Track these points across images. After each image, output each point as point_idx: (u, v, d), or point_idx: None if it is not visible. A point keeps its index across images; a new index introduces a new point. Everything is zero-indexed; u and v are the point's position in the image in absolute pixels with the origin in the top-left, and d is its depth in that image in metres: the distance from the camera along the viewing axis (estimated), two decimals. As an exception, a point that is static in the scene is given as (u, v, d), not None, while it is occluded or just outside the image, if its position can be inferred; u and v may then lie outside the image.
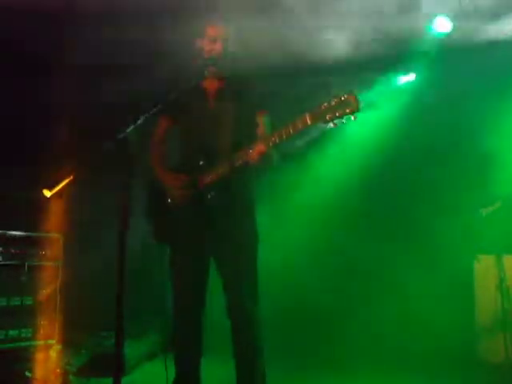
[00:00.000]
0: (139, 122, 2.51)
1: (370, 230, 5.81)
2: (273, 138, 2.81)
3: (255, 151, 2.82)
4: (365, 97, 5.65)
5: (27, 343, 4.63)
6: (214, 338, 3.86)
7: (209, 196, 2.95)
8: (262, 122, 3.13)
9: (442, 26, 5.27)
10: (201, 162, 3.00)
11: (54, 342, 4.79)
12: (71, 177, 2.82)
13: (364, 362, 4.89)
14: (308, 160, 5.95)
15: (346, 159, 5.83)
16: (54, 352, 4.76)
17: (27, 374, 4.10)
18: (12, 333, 4.51)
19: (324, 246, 5.78)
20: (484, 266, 4.91)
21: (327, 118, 2.61)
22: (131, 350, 4.74)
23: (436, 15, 5.23)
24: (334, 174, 5.81)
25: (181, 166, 3.14)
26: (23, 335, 4.59)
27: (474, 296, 4.95)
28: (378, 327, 5.35)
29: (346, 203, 5.77)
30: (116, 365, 2.45)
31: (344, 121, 2.60)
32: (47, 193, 4.45)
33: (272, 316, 3.41)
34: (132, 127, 2.48)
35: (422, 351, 4.89)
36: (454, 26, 5.19)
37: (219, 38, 3.02)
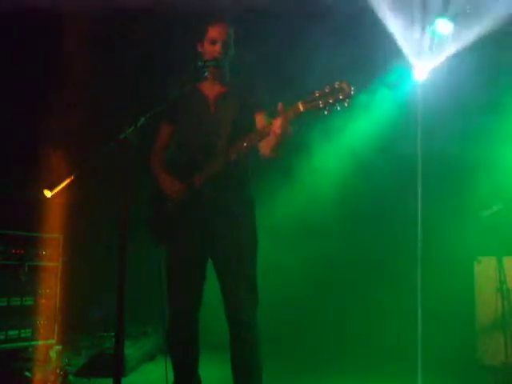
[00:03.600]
0: (139, 122, 2.51)
1: (369, 230, 5.81)
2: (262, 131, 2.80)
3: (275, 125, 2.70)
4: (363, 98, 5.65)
5: (27, 343, 4.63)
6: (213, 337, 3.86)
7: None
8: (261, 119, 3.05)
9: (444, 27, 5.28)
10: (200, 163, 2.96)
11: (53, 342, 4.79)
12: (72, 177, 2.81)
13: (363, 364, 4.89)
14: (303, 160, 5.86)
15: (342, 159, 5.81)
16: (54, 352, 4.75)
17: (27, 374, 4.10)
18: (12, 333, 4.51)
19: (324, 246, 5.76)
20: (484, 268, 4.90)
21: (320, 104, 2.58)
22: (131, 350, 4.74)
23: (437, 17, 5.23)
24: (326, 176, 5.77)
25: (179, 168, 3.09)
26: (23, 335, 4.59)
27: (475, 297, 4.94)
28: (377, 328, 5.35)
29: (343, 203, 5.76)
30: (116, 365, 2.45)
31: (338, 107, 2.58)
32: (48, 193, 4.44)
33: (269, 318, 3.39)
34: (132, 128, 2.48)
35: (422, 352, 4.88)
36: (455, 27, 5.20)
37: (219, 39, 2.97)
